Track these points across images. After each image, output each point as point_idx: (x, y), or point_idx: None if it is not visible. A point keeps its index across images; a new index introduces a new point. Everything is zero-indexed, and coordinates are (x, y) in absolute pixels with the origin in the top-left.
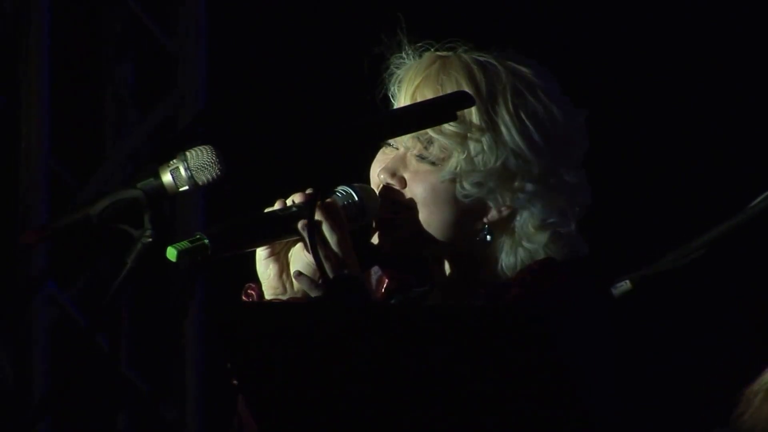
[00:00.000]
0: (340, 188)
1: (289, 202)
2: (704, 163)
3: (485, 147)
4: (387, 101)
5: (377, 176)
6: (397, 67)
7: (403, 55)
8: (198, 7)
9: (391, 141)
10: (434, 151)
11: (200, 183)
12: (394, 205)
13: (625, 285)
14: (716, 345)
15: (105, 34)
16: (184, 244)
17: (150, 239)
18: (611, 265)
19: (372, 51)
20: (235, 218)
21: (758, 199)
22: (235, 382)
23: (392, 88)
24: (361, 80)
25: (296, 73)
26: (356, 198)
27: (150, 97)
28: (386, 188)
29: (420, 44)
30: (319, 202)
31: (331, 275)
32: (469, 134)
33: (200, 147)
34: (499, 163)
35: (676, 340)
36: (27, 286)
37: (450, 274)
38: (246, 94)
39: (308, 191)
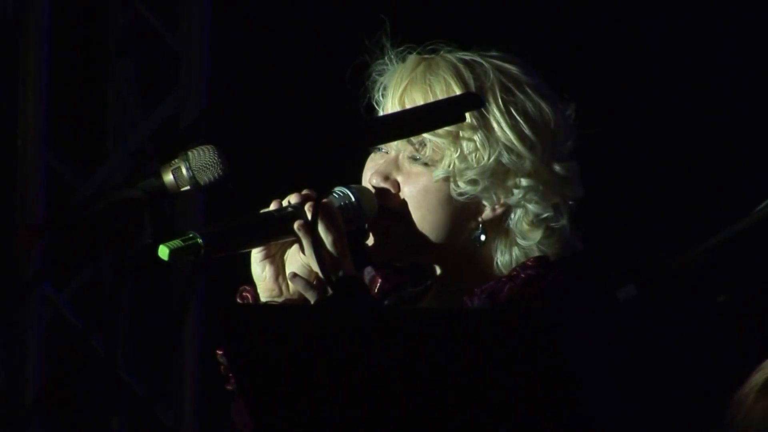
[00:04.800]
0: (337, 189)
1: (285, 202)
2: (702, 160)
3: (478, 144)
4: (371, 108)
5: (369, 181)
6: (379, 74)
7: (386, 60)
8: (202, 4)
9: (381, 146)
10: (427, 152)
11: (202, 183)
12: (388, 211)
13: (630, 290)
14: (715, 346)
15: (108, 30)
16: (177, 242)
17: (149, 240)
18: (606, 262)
19: (360, 56)
20: (230, 218)
21: (764, 204)
22: (228, 387)
23: (376, 95)
24: (363, 77)
25: (299, 72)
26: (353, 199)
27: (153, 95)
28: (379, 192)
29: (401, 48)
30: (315, 203)
31: (325, 275)
32: (461, 132)
33: (202, 147)
34: (492, 160)
35: (675, 341)
36: (22, 286)
37: (445, 273)
38: (249, 93)
39: (304, 192)
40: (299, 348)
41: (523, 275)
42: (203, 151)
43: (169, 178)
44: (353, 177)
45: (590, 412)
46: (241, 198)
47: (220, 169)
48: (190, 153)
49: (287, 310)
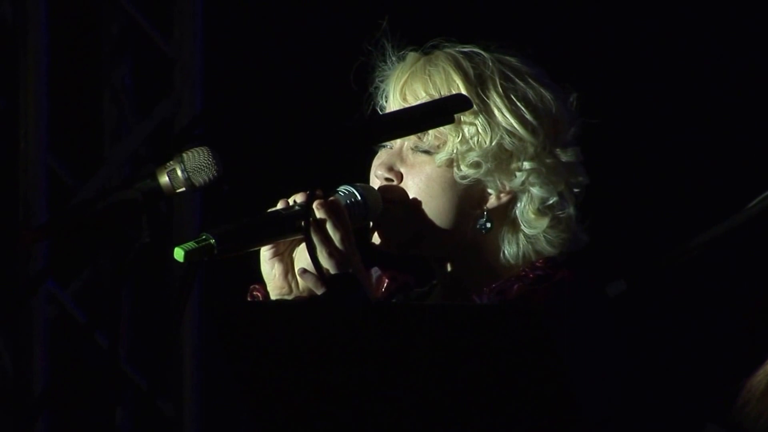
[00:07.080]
0: (342, 188)
1: (291, 201)
2: (700, 160)
3: (479, 129)
4: (374, 114)
5: (374, 174)
6: (381, 81)
7: (388, 64)
8: (194, 10)
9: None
10: (429, 139)
11: (197, 184)
12: (394, 203)
13: (620, 285)
14: (712, 343)
15: (102, 37)
16: (191, 244)
17: (148, 240)
18: (606, 261)
19: (360, 57)
20: (239, 218)
21: (757, 200)
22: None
23: (381, 101)
24: (357, 80)
25: (292, 75)
26: (359, 197)
27: (148, 99)
28: (384, 188)
29: (402, 52)
30: (322, 201)
31: (334, 272)
32: (462, 118)
33: (197, 148)
34: (494, 143)
35: (671, 338)
36: (27, 284)
37: (452, 271)
38: (242, 96)
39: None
40: (293, 343)
41: (531, 275)
42: (198, 152)
43: (164, 179)
44: (347, 176)
45: (587, 411)
46: (237, 198)
47: (215, 170)
48: (184, 155)
49: (280, 306)
